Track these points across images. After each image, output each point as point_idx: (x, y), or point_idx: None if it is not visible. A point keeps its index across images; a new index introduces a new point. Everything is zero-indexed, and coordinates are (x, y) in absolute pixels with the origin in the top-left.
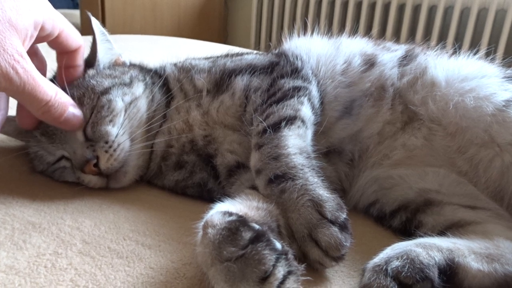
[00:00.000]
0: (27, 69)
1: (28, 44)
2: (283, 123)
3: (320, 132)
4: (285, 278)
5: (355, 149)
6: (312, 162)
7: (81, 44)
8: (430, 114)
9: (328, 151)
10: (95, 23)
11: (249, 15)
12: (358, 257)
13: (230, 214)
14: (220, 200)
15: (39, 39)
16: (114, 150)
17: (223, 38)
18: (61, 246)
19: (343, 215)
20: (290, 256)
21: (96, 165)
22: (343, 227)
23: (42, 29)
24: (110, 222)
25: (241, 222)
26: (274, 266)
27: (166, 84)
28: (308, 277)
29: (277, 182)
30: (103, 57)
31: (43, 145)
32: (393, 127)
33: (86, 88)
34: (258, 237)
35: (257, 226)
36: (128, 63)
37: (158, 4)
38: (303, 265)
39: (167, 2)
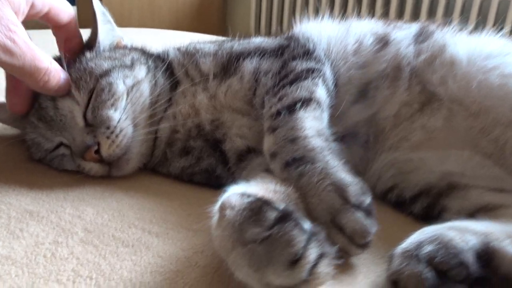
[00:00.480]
0: (24, 40)
1: (20, 19)
2: (298, 105)
3: (335, 116)
4: (317, 261)
5: (370, 131)
6: (331, 145)
7: (72, 15)
8: (450, 94)
9: (342, 135)
10: (96, 2)
11: (248, 8)
12: (380, 244)
13: (248, 195)
14: (231, 185)
15: (29, 16)
16: (117, 136)
17: (222, 31)
18: (61, 235)
19: (368, 200)
20: (322, 237)
21: (97, 152)
22: (368, 212)
23: (32, 6)
24: (113, 210)
25: (264, 202)
26: (304, 248)
27: (170, 69)
28: (341, 260)
29: (295, 165)
30: (104, 39)
31: (41, 131)
32: (410, 108)
33: (83, 71)
34: (285, 217)
35: (281, 206)
36: (129, 46)
37: None
38: (335, 247)
39: None
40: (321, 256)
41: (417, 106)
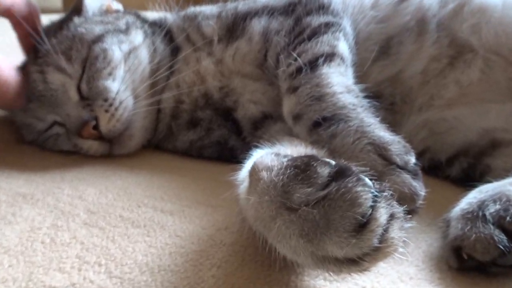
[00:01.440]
0: None
1: None
2: (320, 60)
3: (356, 77)
4: (388, 224)
5: (396, 92)
6: (364, 102)
7: (35, 9)
8: (485, 43)
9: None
10: None
11: None
12: (424, 211)
13: (285, 155)
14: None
15: None
16: (116, 109)
17: None
18: (60, 218)
19: (413, 159)
20: (389, 194)
21: (95, 127)
22: (414, 173)
23: None
24: (118, 189)
25: (310, 157)
26: (373, 207)
27: (169, 34)
28: (411, 223)
29: (325, 125)
30: (91, 2)
31: (31, 111)
32: (439, 63)
33: (72, 38)
34: (341, 172)
35: (332, 161)
36: (122, 10)
37: None
38: (403, 208)
39: None
40: (391, 218)
41: (446, 60)
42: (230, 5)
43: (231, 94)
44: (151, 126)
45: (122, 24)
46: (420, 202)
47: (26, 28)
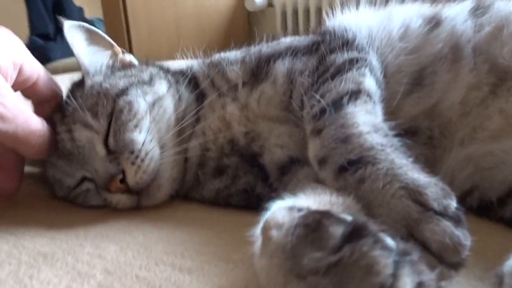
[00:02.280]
0: (15, 103)
1: (9, 84)
2: (345, 99)
3: (387, 112)
4: None
5: (434, 125)
6: (393, 141)
7: (57, 93)
8: None
9: (397, 134)
10: (69, 29)
11: (274, 32)
12: (473, 260)
13: (300, 209)
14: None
15: (17, 84)
16: (142, 161)
17: None
18: (76, 280)
19: (453, 203)
20: (415, 257)
21: (123, 181)
22: (457, 220)
23: (20, 71)
24: (139, 245)
25: (323, 213)
26: (394, 276)
27: (195, 83)
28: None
29: (352, 169)
30: (91, 63)
31: (60, 167)
32: (480, 92)
33: (97, 95)
34: (357, 233)
35: (349, 217)
36: (137, 62)
37: (182, 28)
38: (436, 271)
39: (191, 25)
40: (419, 286)
41: (487, 88)
42: (254, 49)
43: (257, 139)
44: (179, 176)
45: (145, 76)
46: (466, 253)
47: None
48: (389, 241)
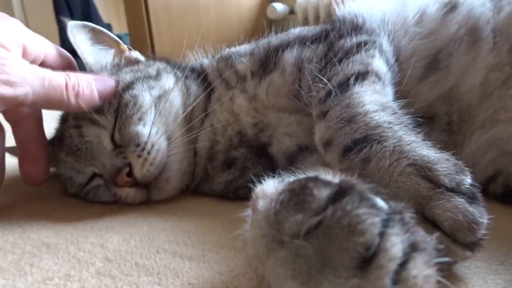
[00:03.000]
0: (22, 66)
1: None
2: (351, 80)
3: (403, 98)
4: (407, 256)
5: (452, 109)
6: (402, 119)
7: (71, 62)
8: None
9: (415, 121)
10: (72, 30)
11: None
12: (495, 246)
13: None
14: None
15: None
16: (148, 153)
17: None
18: (75, 268)
19: (468, 179)
20: (409, 217)
21: (130, 174)
22: (471, 196)
23: (25, 52)
24: (142, 235)
25: (310, 178)
26: (382, 234)
27: (205, 77)
28: (448, 259)
29: (358, 148)
30: (95, 61)
31: (71, 165)
32: (501, 72)
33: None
34: (343, 193)
35: (337, 179)
36: (142, 58)
37: (204, 37)
38: (434, 236)
39: (213, 35)
40: (413, 249)
41: (509, 69)
42: (263, 41)
43: (265, 129)
44: (189, 169)
45: (152, 70)
46: (482, 232)
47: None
48: (379, 201)
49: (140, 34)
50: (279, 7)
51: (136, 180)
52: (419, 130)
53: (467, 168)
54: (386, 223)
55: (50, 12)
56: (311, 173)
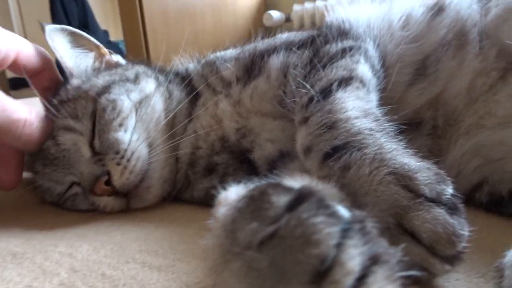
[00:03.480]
0: None
1: None
2: (334, 85)
3: (389, 105)
4: (366, 270)
5: (438, 114)
6: (384, 126)
7: (47, 60)
8: None
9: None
10: (50, 33)
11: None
12: (477, 257)
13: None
14: None
15: None
16: (128, 161)
17: None
18: (38, 279)
19: (449, 189)
20: (371, 227)
21: (109, 183)
22: (452, 207)
23: None
24: (114, 244)
25: (272, 184)
26: (339, 246)
27: (189, 82)
28: (414, 273)
29: (338, 155)
30: (74, 65)
31: (48, 175)
32: (488, 77)
33: (76, 96)
34: (302, 200)
35: (299, 185)
36: (124, 62)
37: (200, 45)
38: (400, 247)
39: (209, 43)
40: (373, 262)
41: (496, 74)
42: (249, 46)
43: (248, 134)
44: (170, 176)
45: (130, 74)
46: (463, 245)
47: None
48: (340, 209)
49: (136, 41)
50: (275, 14)
51: (115, 189)
52: (402, 137)
53: (449, 178)
54: (345, 234)
55: (47, 20)
56: (274, 179)
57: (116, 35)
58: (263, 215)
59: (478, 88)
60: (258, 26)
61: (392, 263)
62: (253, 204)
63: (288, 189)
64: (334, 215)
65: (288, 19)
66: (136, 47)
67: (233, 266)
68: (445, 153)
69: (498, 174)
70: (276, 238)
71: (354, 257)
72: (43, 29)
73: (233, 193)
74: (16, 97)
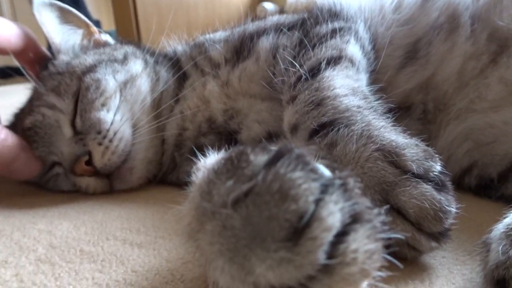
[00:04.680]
0: None
1: None
2: (323, 64)
3: (378, 89)
4: (347, 228)
5: (428, 98)
6: (373, 104)
7: (28, 37)
8: None
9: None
10: (38, 7)
11: None
12: (465, 237)
13: None
14: None
15: None
16: (110, 141)
17: None
18: (14, 254)
19: (437, 166)
20: (354, 185)
21: (89, 163)
22: (440, 184)
23: None
24: (95, 222)
25: (250, 146)
26: (318, 202)
27: (178, 64)
28: (398, 236)
29: (324, 132)
30: (62, 41)
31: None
32: (478, 61)
33: (61, 73)
34: (280, 156)
35: (278, 147)
36: (112, 42)
37: (193, 35)
38: (385, 208)
39: (201, 25)
40: (355, 220)
41: (487, 58)
42: (238, 28)
43: (235, 116)
44: (155, 158)
45: (119, 54)
46: (450, 221)
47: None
48: (321, 167)
49: (128, 32)
50: (269, 6)
51: (96, 169)
52: (390, 116)
53: (437, 155)
54: (325, 189)
55: None
56: None
57: (108, 25)
58: (239, 174)
59: (469, 71)
60: (252, 18)
61: (375, 223)
62: (229, 164)
63: (268, 149)
64: (314, 171)
65: (282, 11)
66: (128, 38)
67: (207, 227)
68: (435, 138)
69: (488, 158)
70: (251, 195)
71: (334, 213)
72: (30, 2)
73: (212, 158)
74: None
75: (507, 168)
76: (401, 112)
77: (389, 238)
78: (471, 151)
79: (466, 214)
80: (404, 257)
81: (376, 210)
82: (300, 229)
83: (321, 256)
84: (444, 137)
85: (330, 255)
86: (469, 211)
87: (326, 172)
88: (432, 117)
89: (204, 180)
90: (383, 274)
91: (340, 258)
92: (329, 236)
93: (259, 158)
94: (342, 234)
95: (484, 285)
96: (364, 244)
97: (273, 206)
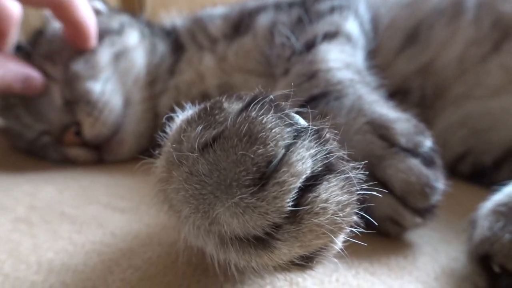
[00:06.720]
0: None
1: None
2: (319, 38)
3: (377, 70)
4: (318, 177)
5: (427, 83)
6: (366, 78)
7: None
8: None
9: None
10: None
11: None
12: (454, 219)
13: None
14: None
15: None
16: (100, 112)
17: None
18: None
19: (427, 141)
20: (329, 136)
21: (79, 133)
22: (428, 160)
23: None
24: (80, 188)
25: (228, 96)
26: (289, 147)
27: (176, 37)
28: (375, 193)
29: (314, 104)
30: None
31: (22, 119)
32: (480, 48)
33: (56, 41)
34: (254, 103)
35: (253, 93)
36: (107, 11)
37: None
38: (362, 163)
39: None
40: (328, 170)
41: (490, 45)
42: (239, 4)
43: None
44: (148, 131)
45: (115, 24)
46: (436, 198)
47: None
48: (297, 116)
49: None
50: None
51: (85, 140)
52: (383, 91)
53: (428, 131)
54: (297, 135)
55: None
56: None
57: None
58: (211, 120)
59: (470, 58)
60: None
61: (350, 175)
62: (203, 112)
63: (243, 98)
64: (288, 116)
65: None
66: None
67: (174, 174)
68: (431, 123)
69: (484, 145)
70: (220, 139)
71: (304, 159)
72: None
73: (188, 111)
74: None
75: (502, 156)
76: (399, 96)
77: (365, 194)
78: (466, 138)
79: (458, 199)
80: (387, 232)
81: (352, 164)
82: (268, 174)
83: (287, 203)
84: (440, 123)
85: (299, 203)
86: (461, 196)
87: (301, 120)
88: (430, 103)
89: (176, 129)
90: (357, 230)
91: (308, 206)
92: (297, 182)
93: (233, 106)
94: (313, 184)
95: (471, 264)
96: (336, 195)
97: (240, 149)
